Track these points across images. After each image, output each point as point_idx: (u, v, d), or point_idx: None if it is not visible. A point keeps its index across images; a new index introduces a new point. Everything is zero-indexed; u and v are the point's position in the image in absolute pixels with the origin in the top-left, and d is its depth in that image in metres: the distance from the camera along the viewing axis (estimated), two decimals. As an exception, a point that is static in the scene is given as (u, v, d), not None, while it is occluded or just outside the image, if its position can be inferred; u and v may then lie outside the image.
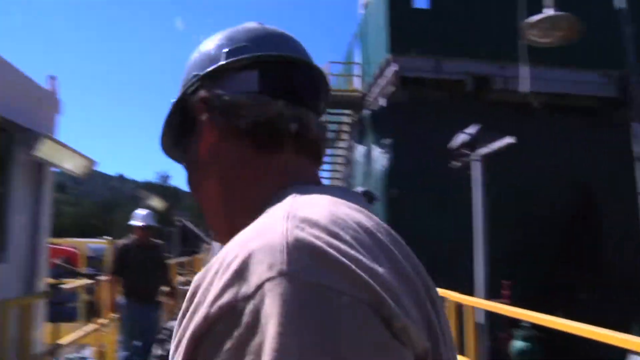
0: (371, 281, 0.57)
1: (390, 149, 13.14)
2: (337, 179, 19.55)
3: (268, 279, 0.55)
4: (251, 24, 0.93)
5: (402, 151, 12.91)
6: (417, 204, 12.35)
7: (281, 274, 0.55)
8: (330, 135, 20.33)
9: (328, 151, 20.31)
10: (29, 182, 4.16)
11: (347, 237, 0.61)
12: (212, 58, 0.87)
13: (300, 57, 0.89)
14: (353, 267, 0.58)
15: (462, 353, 4.55)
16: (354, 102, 16.71)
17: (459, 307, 4.75)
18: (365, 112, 14.79)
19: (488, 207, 6.19)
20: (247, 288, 0.56)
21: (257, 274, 0.56)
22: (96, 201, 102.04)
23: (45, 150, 3.83)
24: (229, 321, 0.56)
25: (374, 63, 14.57)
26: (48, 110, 4.46)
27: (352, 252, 0.59)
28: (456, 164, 6.89)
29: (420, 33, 12.72)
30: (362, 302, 0.56)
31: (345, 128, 18.77)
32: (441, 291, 4.69)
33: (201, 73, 0.87)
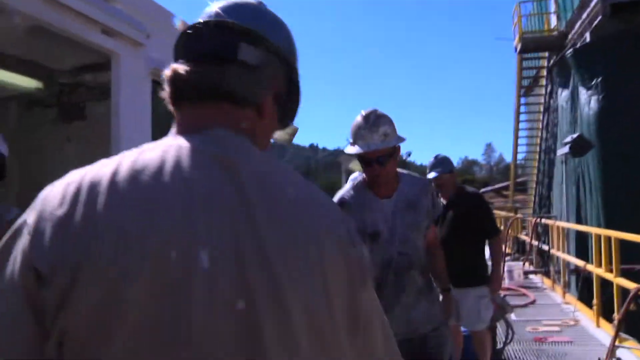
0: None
1: (601, 90, 11.58)
2: (536, 128, 18.02)
3: None
4: None
5: (615, 91, 11.32)
6: (635, 151, 10.82)
7: None
8: (526, 82, 18.79)
9: (523, 100, 19.08)
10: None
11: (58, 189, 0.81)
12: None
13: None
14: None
15: None
16: (552, 43, 15.15)
17: None
18: (567, 52, 13.18)
19: None
20: None
21: None
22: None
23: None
24: None
25: (574, -6, 12.89)
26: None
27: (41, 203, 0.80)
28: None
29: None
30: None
31: (543, 73, 17.13)
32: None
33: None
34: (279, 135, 4.42)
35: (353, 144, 2.60)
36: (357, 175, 6.16)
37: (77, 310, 0.71)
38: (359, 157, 2.61)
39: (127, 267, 0.71)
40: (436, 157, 4.52)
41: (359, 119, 2.60)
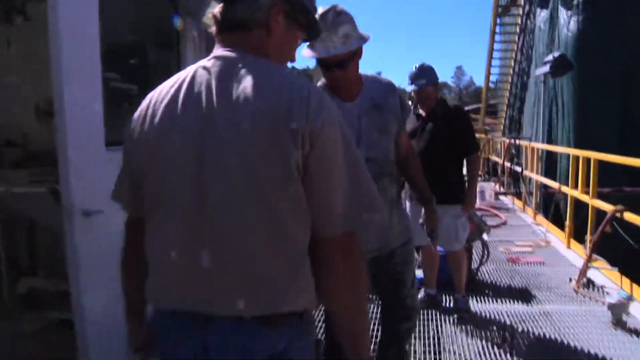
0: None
1: (582, 10, 11.30)
2: (510, 50, 17.77)
3: None
4: None
5: (597, 12, 11.06)
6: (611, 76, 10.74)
7: None
8: (503, 1, 18.32)
9: (499, 20, 18.68)
10: (201, 57, 3.81)
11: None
12: None
13: None
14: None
15: None
16: (534, -41, 14.61)
17: None
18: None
19: None
20: None
21: None
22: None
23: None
24: None
25: None
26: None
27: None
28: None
29: None
30: None
31: (522, -9, 16.68)
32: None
33: None
34: (207, 18, 4.10)
35: (311, 46, 2.29)
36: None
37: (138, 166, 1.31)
38: (318, 61, 2.35)
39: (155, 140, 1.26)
40: (420, 67, 4.14)
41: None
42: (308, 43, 2.27)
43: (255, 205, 1.16)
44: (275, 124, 1.15)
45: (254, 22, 1.28)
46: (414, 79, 4.14)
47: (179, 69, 3.56)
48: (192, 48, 3.65)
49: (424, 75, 4.11)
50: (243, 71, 1.22)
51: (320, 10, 2.23)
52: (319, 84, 2.48)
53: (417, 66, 4.16)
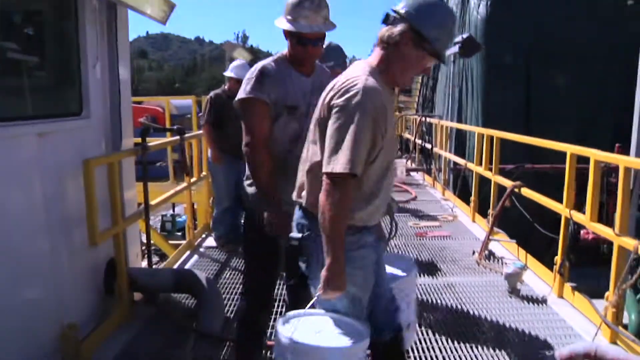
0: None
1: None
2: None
3: None
4: None
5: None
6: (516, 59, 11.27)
7: None
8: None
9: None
10: (102, 27, 3.63)
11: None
12: None
13: None
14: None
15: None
16: (447, -59, 14.91)
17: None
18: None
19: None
20: None
21: None
22: (178, 65, 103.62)
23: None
24: None
25: None
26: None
27: None
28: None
29: None
30: None
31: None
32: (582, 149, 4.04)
33: None
34: (151, 11, 3.95)
35: (293, 20, 2.57)
36: (239, 63, 5.81)
37: None
38: (293, 35, 2.59)
39: None
40: (327, 48, 4.05)
41: None
42: (289, 17, 2.57)
43: None
44: None
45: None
46: (320, 61, 4.10)
47: (77, 39, 3.43)
48: (92, 18, 3.48)
49: (331, 56, 4.09)
50: None
51: None
52: (276, 56, 2.72)
53: (324, 47, 4.12)
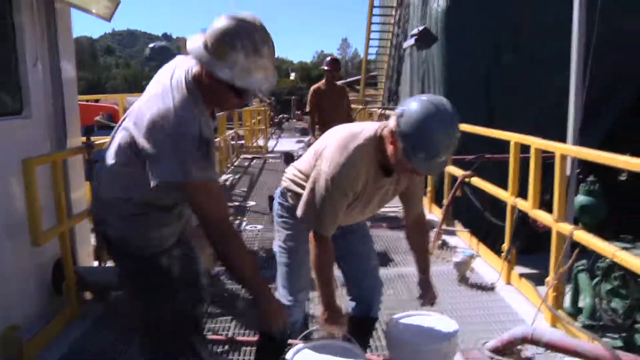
0: None
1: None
2: (388, 24, 18.29)
3: None
4: None
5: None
6: (476, 49, 11.43)
7: None
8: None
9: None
10: (41, 26, 3.60)
11: None
12: None
13: None
14: None
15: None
16: None
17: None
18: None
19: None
20: None
21: None
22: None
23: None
24: None
25: None
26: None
27: None
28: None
29: None
30: None
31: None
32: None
33: None
34: (95, 8, 3.93)
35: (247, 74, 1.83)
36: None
37: None
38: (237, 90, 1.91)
39: None
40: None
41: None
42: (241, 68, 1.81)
43: None
44: None
45: None
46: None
47: (14, 38, 3.39)
48: (29, 16, 3.45)
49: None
50: None
51: (257, 28, 1.84)
52: (190, 96, 1.90)
53: None
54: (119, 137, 1.98)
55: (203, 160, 1.83)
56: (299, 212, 2.31)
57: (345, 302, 2.78)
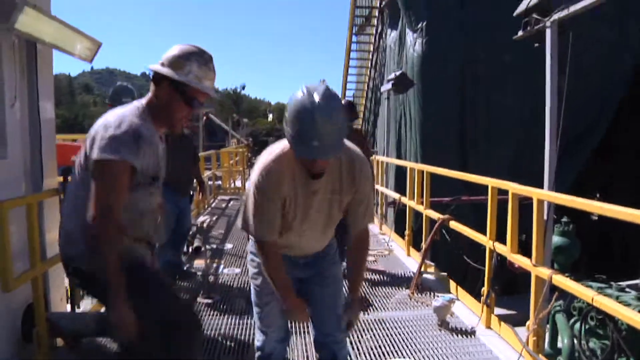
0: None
1: (425, 34, 12.17)
2: (365, 67, 18.63)
3: None
4: None
5: (436, 36, 12.00)
6: (451, 93, 11.71)
7: None
8: (358, 21, 19.19)
9: (355, 38, 19.41)
10: (21, 66, 3.58)
11: None
12: None
13: None
14: None
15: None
16: (384, -18, 15.49)
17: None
18: (397, -8, 13.58)
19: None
20: None
21: None
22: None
23: (31, 24, 3.20)
24: None
25: None
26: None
27: None
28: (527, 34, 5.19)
29: None
30: None
31: (375, 13, 17.59)
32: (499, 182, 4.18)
33: None
34: (76, 50, 3.93)
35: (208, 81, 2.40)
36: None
37: None
38: (192, 99, 2.35)
39: None
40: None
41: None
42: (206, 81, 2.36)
43: None
44: None
45: None
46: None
47: (-7, 79, 3.36)
48: (10, 56, 3.42)
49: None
50: None
51: (205, 51, 2.36)
52: (140, 110, 2.30)
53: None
54: (76, 163, 2.30)
55: (132, 145, 2.14)
56: (239, 222, 2.56)
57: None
